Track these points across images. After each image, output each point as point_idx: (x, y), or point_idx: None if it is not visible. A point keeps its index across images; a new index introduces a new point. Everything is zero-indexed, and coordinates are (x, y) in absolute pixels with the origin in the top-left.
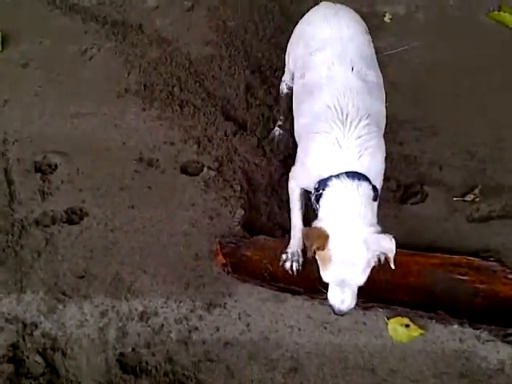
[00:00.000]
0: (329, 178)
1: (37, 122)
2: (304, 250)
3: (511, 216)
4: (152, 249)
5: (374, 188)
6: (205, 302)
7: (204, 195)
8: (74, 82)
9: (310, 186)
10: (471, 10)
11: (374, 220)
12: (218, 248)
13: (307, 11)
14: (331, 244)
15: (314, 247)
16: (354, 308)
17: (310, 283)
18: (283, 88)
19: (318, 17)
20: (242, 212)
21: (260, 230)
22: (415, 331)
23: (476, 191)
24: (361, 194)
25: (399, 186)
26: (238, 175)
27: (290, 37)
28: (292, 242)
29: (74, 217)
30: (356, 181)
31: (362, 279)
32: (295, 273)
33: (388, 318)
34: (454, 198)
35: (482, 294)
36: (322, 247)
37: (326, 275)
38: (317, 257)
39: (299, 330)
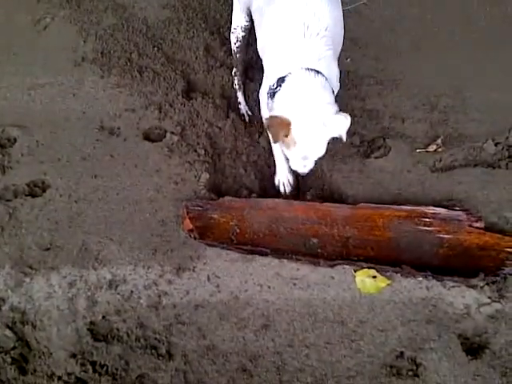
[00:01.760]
0: (287, 75)
1: None
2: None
3: (473, 164)
4: (117, 217)
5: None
6: (173, 266)
7: (168, 161)
8: (29, 52)
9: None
10: None
11: (332, 100)
12: (185, 212)
13: None
14: (293, 129)
15: (280, 135)
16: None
17: (276, 244)
18: (239, 33)
19: None
20: (207, 175)
21: (226, 193)
22: (382, 282)
23: (438, 141)
24: (318, 80)
25: (363, 141)
26: (201, 139)
27: None
28: (278, 165)
29: (36, 190)
30: (313, 72)
31: (321, 153)
32: (288, 193)
33: (355, 271)
34: (417, 150)
35: (447, 244)
36: (286, 134)
37: (291, 154)
38: (280, 141)
39: (268, 287)
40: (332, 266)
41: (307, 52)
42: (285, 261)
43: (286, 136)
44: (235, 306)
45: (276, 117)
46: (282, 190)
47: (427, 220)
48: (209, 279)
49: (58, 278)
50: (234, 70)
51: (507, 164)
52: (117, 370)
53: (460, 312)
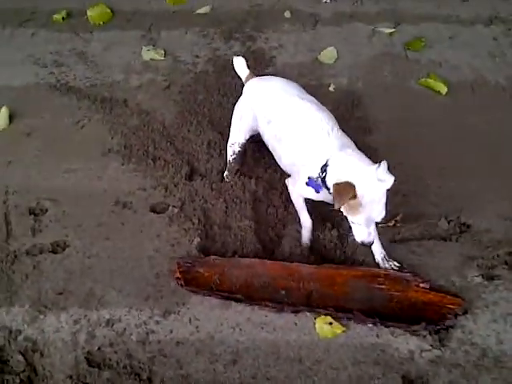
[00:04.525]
0: (327, 161)
1: (34, 177)
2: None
3: (428, 238)
4: (121, 270)
5: None
6: (162, 310)
7: (168, 228)
8: (67, 145)
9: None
10: (404, 79)
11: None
12: (176, 267)
13: None
14: (358, 190)
15: (348, 198)
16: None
17: (249, 293)
18: (235, 148)
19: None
20: (199, 239)
21: (214, 254)
22: (338, 328)
23: (398, 218)
24: (354, 152)
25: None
26: (197, 212)
27: None
28: (304, 235)
29: (58, 248)
30: (347, 149)
31: (383, 212)
32: (308, 247)
33: (315, 318)
34: (380, 225)
35: (396, 299)
36: (353, 196)
37: (357, 218)
38: (343, 208)
39: (240, 330)
40: (296, 312)
41: (335, 142)
42: (256, 308)
43: (353, 198)
44: (210, 344)
45: (340, 182)
46: (304, 244)
47: (380, 279)
48: (190, 321)
49: (67, 316)
50: (226, 173)
51: (457, 238)
52: None
53: (404, 356)
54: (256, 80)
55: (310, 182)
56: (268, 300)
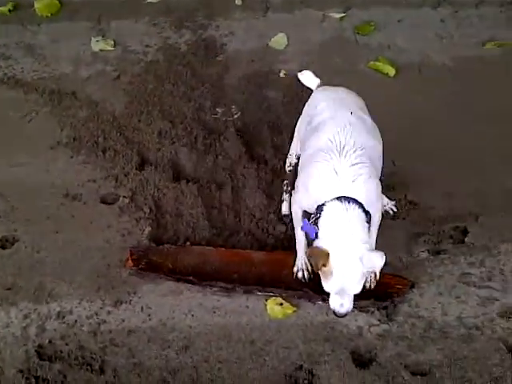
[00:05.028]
0: (324, 203)
1: None
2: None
3: None
4: (71, 263)
5: (366, 212)
6: (113, 300)
7: (118, 219)
8: (15, 139)
9: (312, 207)
10: (354, 62)
11: (367, 238)
12: (129, 254)
13: (216, 73)
14: (331, 260)
15: (320, 264)
16: (352, 311)
17: (201, 277)
18: (292, 159)
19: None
20: (150, 228)
21: (166, 243)
22: (289, 309)
23: None
24: (351, 215)
25: None
26: (148, 201)
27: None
28: (298, 255)
29: (6, 243)
30: (346, 204)
31: (357, 289)
32: (307, 280)
33: (266, 300)
34: None
35: None
36: (325, 264)
37: (328, 286)
38: (320, 271)
39: (192, 316)
40: (247, 293)
41: (342, 176)
42: (208, 293)
43: (325, 266)
44: (162, 331)
45: (317, 247)
46: (300, 276)
47: None
48: (142, 310)
49: (16, 311)
50: (285, 181)
51: (405, 216)
52: (55, 382)
53: (353, 332)
54: (321, 89)
55: (304, 226)
56: (220, 281)
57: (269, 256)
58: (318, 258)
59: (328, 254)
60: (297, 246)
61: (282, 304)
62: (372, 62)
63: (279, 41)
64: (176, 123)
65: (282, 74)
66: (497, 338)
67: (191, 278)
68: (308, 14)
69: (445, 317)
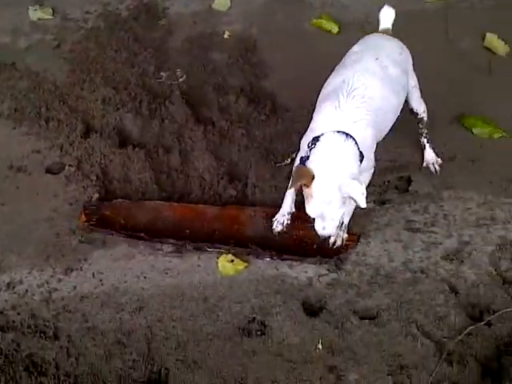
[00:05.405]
0: (322, 134)
1: None
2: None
3: None
4: (19, 234)
5: (361, 152)
6: (64, 268)
7: (65, 188)
8: None
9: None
10: (298, 21)
11: (357, 173)
12: (82, 209)
13: (158, 37)
14: (314, 184)
15: (300, 183)
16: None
17: (153, 233)
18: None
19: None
20: (97, 195)
21: None
22: (240, 265)
23: (293, 155)
24: (346, 147)
25: None
26: (94, 168)
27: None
28: (282, 209)
29: None
30: (344, 137)
31: (336, 215)
32: (276, 232)
33: (217, 258)
34: (276, 164)
35: (294, 237)
36: (308, 185)
37: (308, 209)
38: (303, 192)
39: (144, 277)
40: (198, 249)
41: (345, 113)
42: (159, 255)
43: (307, 187)
44: (115, 295)
45: (303, 167)
46: (274, 226)
47: None
48: (93, 275)
49: None
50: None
51: None
52: (9, 351)
53: (303, 283)
54: (372, 34)
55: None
56: (172, 237)
57: (222, 211)
58: (302, 176)
59: (313, 177)
60: (284, 200)
61: (233, 261)
62: (315, 20)
63: (222, 2)
64: (120, 89)
65: (226, 36)
66: (440, 279)
67: (142, 234)
68: None
69: (391, 263)
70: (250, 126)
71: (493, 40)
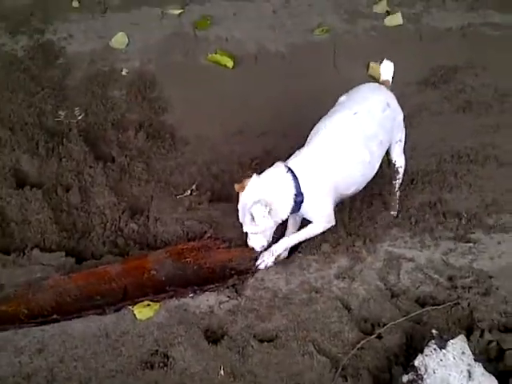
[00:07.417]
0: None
1: None
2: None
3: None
4: None
5: (301, 194)
6: None
7: None
8: None
9: None
10: (194, 56)
11: (273, 202)
12: None
13: (56, 76)
14: (243, 193)
15: (238, 186)
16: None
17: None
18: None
19: None
20: None
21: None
22: (155, 305)
23: (193, 187)
24: (282, 178)
25: None
26: None
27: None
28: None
29: None
30: (286, 169)
31: (250, 229)
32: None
33: (132, 307)
34: (177, 196)
35: (205, 266)
36: (240, 188)
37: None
38: None
39: None
40: (118, 311)
41: (302, 154)
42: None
43: (240, 189)
44: (14, 339)
45: (251, 178)
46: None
47: (184, 254)
48: None
49: None
50: None
51: None
52: None
53: (205, 311)
54: (363, 85)
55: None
56: (86, 310)
57: (125, 265)
58: (242, 184)
59: (244, 188)
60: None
61: (149, 304)
62: (211, 55)
63: (120, 40)
64: (16, 130)
65: (124, 73)
66: (334, 297)
67: (55, 316)
68: (147, 11)
69: (288, 285)
70: (150, 159)
71: (376, 68)
